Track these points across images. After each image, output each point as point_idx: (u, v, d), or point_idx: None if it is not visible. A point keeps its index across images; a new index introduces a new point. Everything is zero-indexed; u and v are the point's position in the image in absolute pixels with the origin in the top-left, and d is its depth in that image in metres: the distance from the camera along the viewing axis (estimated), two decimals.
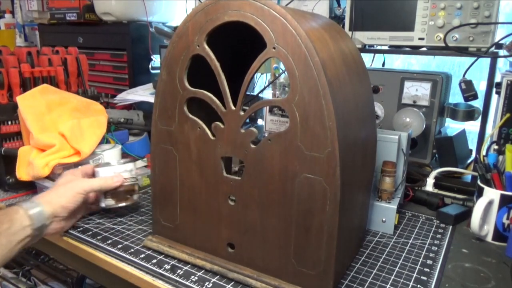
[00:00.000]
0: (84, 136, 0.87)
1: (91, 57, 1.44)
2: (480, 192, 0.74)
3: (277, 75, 1.11)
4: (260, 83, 1.33)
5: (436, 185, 0.93)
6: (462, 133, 1.06)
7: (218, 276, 0.61)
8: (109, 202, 0.76)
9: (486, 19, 0.85)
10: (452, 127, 1.10)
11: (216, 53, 0.55)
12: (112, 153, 0.92)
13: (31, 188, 0.89)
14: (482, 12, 0.85)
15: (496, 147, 0.79)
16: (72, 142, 0.84)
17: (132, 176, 0.79)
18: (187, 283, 0.59)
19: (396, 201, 0.77)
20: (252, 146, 0.55)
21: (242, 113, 0.55)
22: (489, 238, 0.74)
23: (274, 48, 0.50)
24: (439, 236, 0.75)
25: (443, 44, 0.88)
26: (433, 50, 0.95)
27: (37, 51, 1.00)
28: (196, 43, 0.56)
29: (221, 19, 0.53)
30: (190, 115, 0.59)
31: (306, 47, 0.48)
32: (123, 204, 0.77)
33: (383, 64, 1.20)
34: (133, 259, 0.65)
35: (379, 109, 1.02)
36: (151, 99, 1.19)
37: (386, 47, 1.01)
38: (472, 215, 0.71)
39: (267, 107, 1.06)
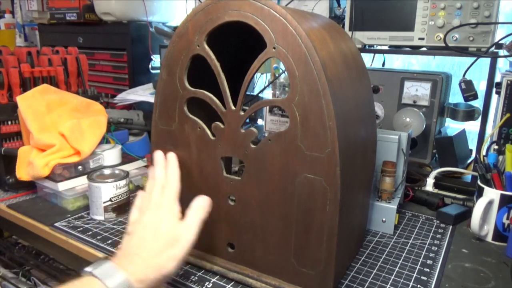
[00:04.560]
0: (84, 136, 0.87)
1: (91, 57, 1.44)
2: (480, 192, 0.74)
3: (277, 75, 1.11)
4: (260, 83, 1.33)
5: (436, 185, 0.93)
6: (462, 133, 1.06)
7: (218, 276, 0.61)
8: (110, 216, 0.78)
9: (486, 19, 0.85)
10: (452, 127, 1.10)
11: (216, 53, 0.55)
12: (112, 153, 0.92)
13: (31, 188, 0.89)
14: (482, 12, 0.85)
15: (496, 147, 0.79)
16: (72, 142, 0.84)
17: (127, 188, 0.80)
18: (187, 283, 0.59)
19: (396, 201, 0.77)
20: (252, 146, 0.55)
21: (242, 113, 0.55)
22: (489, 238, 0.74)
23: (274, 48, 0.50)
24: (439, 236, 0.75)
25: (443, 44, 0.88)
26: (433, 50, 0.95)
27: (37, 51, 1.00)
28: (196, 43, 0.56)
29: (221, 19, 0.53)
30: (190, 115, 0.59)
31: (306, 47, 0.48)
32: (123, 217, 0.79)
33: (383, 64, 1.20)
34: None
35: (379, 109, 1.02)
36: (151, 99, 1.19)
37: (386, 47, 1.01)
38: (472, 215, 0.71)
39: (267, 107, 1.06)
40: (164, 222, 0.54)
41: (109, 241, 0.70)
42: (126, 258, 0.50)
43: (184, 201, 0.63)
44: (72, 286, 0.45)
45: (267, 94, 1.21)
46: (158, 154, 0.61)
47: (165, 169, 0.59)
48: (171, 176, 0.58)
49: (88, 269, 0.47)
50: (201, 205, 0.56)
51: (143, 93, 1.26)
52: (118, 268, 0.48)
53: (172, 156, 0.61)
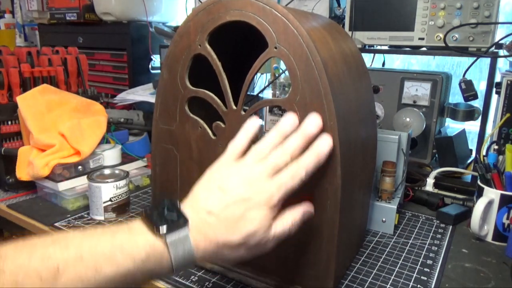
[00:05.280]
0: (84, 136, 0.87)
1: (91, 57, 1.44)
2: (480, 192, 0.74)
3: (277, 75, 1.11)
4: (260, 83, 1.33)
5: (436, 185, 0.93)
6: (462, 133, 1.06)
7: (218, 276, 0.61)
8: (110, 216, 0.78)
9: (486, 19, 0.85)
10: (452, 127, 1.10)
11: (217, 53, 0.55)
12: (112, 153, 0.91)
13: (31, 188, 0.89)
14: (482, 12, 0.85)
15: (496, 147, 0.79)
16: (72, 142, 0.84)
17: (127, 188, 0.80)
18: (187, 283, 0.59)
19: (396, 201, 0.77)
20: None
21: (243, 112, 0.55)
22: (489, 238, 0.74)
23: (275, 47, 0.50)
24: (439, 236, 0.75)
25: (443, 44, 0.88)
26: (433, 50, 0.95)
27: (37, 51, 1.00)
28: (197, 42, 0.56)
29: (223, 18, 0.53)
30: (191, 115, 0.59)
31: (307, 46, 0.48)
32: (123, 217, 0.79)
33: (383, 64, 1.20)
34: None
35: (379, 109, 1.03)
36: (151, 99, 1.19)
37: (386, 47, 1.01)
38: (472, 215, 0.71)
39: (267, 107, 1.06)
40: (257, 219, 0.43)
41: None
42: (205, 235, 0.43)
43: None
44: (138, 254, 0.40)
45: (267, 94, 1.21)
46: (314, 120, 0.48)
47: (310, 145, 0.47)
48: (323, 142, 0.47)
49: (163, 229, 0.41)
50: (297, 215, 0.47)
51: (143, 93, 1.26)
52: (192, 248, 0.42)
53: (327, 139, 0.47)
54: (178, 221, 0.42)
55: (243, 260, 0.45)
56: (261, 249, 0.45)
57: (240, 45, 0.65)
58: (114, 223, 0.76)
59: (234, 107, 0.55)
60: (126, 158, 0.97)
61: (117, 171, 0.82)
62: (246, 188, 0.44)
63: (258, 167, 0.45)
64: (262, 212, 0.43)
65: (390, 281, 0.61)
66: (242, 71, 0.55)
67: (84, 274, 0.38)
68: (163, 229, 0.41)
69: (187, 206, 0.45)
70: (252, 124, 0.49)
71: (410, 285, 0.60)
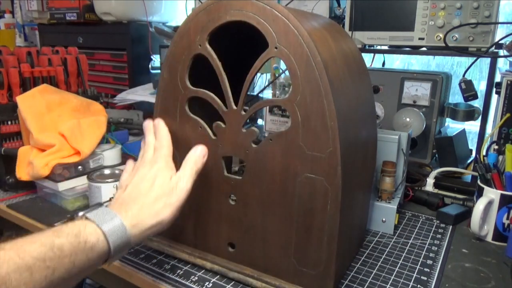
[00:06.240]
0: (84, 136, 0.86)
1: (91, 57, 1.44)
2: (480, 192, 0.74)
3: (277, 75, 1.11)
4: (260, 83, 1.33)
5: (436, 185, 0.93)
6: (462, 133, 1.06)
7: (218, 276, 0.61)
8: None
9: (486, 19, 0.85)
10: (452, 127, 1.10)
11: (218, 53, 0.55)
12: (112, 153, 0.91)
13: (31, 188, 0.89)
14: (482, 12, 0.85)
15: (496, 147, 0.79)
16: (72, 142, 0.84)
17: None
18: (187, 283, 0.59)
19: (396, 201, 0.77)
20: (253, 145, 0.55)
21: (243, 112, 0.55)
22: (489, 238, 0.74)
23: (276, 48, 0.50)
24: (439, 236, 0.75)
25: (443, 44, 0.88)
26: (433, 50, 0.96)
27: (37, 51, 0.99)
28: (197, 42, 0.56)
29: (223, 18, 0.53)
30: (191, 115, 0.59)
31: (308, 47, 0.48)
32: None
33: (383, 64, 1.20)
34: (133, 259, 0.65)
35: (379, 109, 1.03)
36: (151, 99, 1.19)
37: (386, 47, 1.01)
38: (472, 215, 0.71)
39: (267, 107, 1.06)
40: (160, 174, 0.53)
41: None
42: (121, 205, 0.50)
43: (185, 201, 0.63)
44: (65, 228, 0.43)
45: (267, 94, 1.21)
46: (146, 123, 0.60)
47: (155, 134, 0.59)
48: (162, 137, 0.57)
49: (81, 212, 0.47)
50: (197, 154, 0.56)
51: (143, 93, 1.26)
52: (114, 212, 0.47)
53: (159, 121, 0.59)
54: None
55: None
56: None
57: (240, 45, 0.65)
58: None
59: (235, 107, 0.55)
60: (126, 158, 0.97)
61: (117, 171, 0.82)
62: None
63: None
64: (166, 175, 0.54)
65: (390, 281, 0.61)
66: (242, 71, 0.55)
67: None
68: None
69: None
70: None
71: (410, 285, 0.60)
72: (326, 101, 0.48)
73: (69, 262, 0.41)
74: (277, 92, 1.07)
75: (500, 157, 0.76)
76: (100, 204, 0.49)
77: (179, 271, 0.62)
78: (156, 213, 0.50)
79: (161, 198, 0.51)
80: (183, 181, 0.53)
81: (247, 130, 0.55)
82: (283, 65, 1.06)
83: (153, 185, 0.52)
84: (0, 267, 0.37)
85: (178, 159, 0.59)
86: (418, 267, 0.65)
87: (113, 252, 0.46)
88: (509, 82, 0.83)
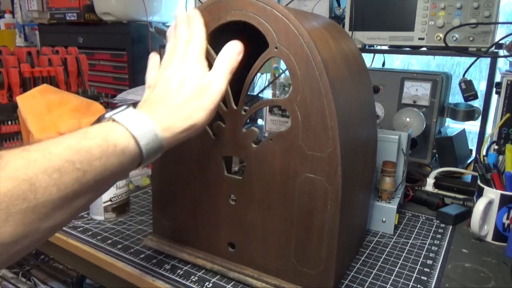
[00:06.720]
0: None
1: (91, 57, 1.44)
2: (480, 192, 0.74)
3: (277, 75, 1.11)
4: (260, 83, 1.33)
5: (436, 185, 0.93)
6: (462, 133, 1.06)
7: (218, 276, 0.61)
8: (110, 216, 0.78)
9: (486, 19, 0.85)
10: (452, 127, 1.10)
11: (218, 53, 0.55)
12: None
13: None
14: (482, 12, 0.85)
15: (496, 147, 0.79)
16: None
17: (127, 188, 0.80)
18: (187, 283, 0.59)
19: (396, 201, 0.77)
20: (254, 145, 0.55)
21: (243, 112, 0.55)
22: (489, 238, 0.74)
23: (276, 48, 0.50)
24: (439, 236, 0.75)
25: (443, 44, 0.88)
26: (433, 50, 0.96)
27: (37, 51, 1.00)
28: None
29: (224, 18, 0.53)
30: None
31: (308, 47, 0.48)
32: (123, 217, 0.79)
33: (383, 64, 1.20)
34: (133, 259, 0.65)
35: (379, 109, 1.03)
36: None
37: (386, 47, 1.01)
38: (472, 215, 0.71)
39: (267, 107, 1.06)
40: (191, 73, 0.48)
41: (109, 241, 0.70)
42: (150, 106, 0.46)
43: (183, 202, 0.64)
44: (91, 130, 0.40)
45: (267, 94, 1.21)
46: (178, 12, 0.53)
47: (188, 26, 0.52)
48: (195, 29, 0.51)
49: (108, 114, 0.43)
50: (232, 51, 0.49)
51: (143, 93, 1.26)
52: (143, 114, 0.43)
53: (195, 10, 0.53)
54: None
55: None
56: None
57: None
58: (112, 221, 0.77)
59: (235, 107, 0.55)
60: None
61: None
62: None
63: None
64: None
65: (390, 281, 0.61)
66: (242, 71, 0.55)
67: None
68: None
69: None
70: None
71: (410, 285, 0.60)
72: (326, 101, 0.48)
73: (100, 165, 0.39)
74: (277, 92, 1.07)
75: (500, 157, 0.76)
76: (127, 105, 0.44)
77: (179, 271, 0.62)
78: (188, 116, 0.46)
79: (193, 99, 0.46)
80: (216, 81, 0.48)
81: (247, 130, 0.55)
82: (283, 65, 1.06)
83: (183, 85, 0.47)
84: (26, 167, 0.34)
85: (178, 159, 0.59)
86: (418, 267, 0.65)
87: (145, 156, 0.42)
88: (509, 82, 0.83)
